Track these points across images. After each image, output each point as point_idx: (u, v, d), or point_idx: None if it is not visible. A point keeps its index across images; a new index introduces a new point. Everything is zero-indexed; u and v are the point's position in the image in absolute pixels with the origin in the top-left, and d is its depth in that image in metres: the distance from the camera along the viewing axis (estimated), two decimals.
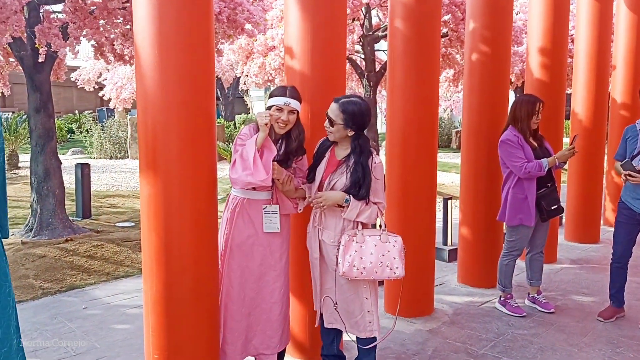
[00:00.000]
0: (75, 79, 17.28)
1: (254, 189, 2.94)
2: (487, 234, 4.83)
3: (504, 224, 4.25)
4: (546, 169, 4.01)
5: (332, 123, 2.90)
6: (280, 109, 2.91)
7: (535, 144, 4.17)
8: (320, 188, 2.98)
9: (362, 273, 2.83)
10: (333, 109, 2.89)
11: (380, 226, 2.99)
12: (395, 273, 2.87)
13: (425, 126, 4.09)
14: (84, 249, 5.76)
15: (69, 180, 8.96)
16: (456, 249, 5.63)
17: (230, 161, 2.89)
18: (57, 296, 4.76)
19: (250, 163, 2.75)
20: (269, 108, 2.94)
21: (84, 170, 7.10)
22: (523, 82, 10.57)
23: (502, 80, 4.83)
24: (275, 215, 3.00)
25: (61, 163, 6.38)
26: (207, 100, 2.76)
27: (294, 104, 2.94)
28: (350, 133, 2.89)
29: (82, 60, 15.95)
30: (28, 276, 5.09)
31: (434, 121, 4.18)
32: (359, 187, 2.84)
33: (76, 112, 24.06)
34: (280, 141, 3.01)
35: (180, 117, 2.67)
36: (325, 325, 3.10)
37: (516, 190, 4.10)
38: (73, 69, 18.21)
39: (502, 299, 4.35)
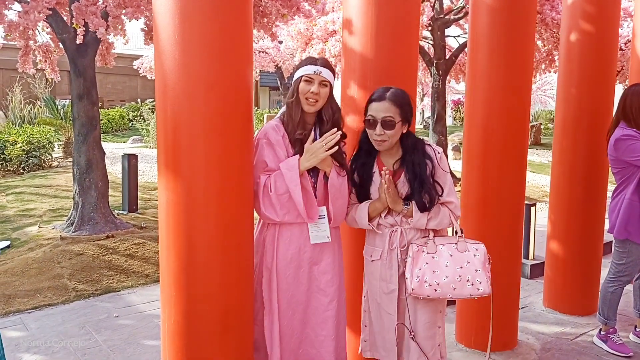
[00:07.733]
0: (138, 67, 17.25)
1: None
2: (583, 250, 4.01)
3: (613, 243, 3.45)
4: None
5: (392, 125, 2.33)
6: (309, 80, 2.31)
7: None
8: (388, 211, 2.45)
9: (435, 290, 2.32)
10: (386, 108, 2.33)
11: (456, 232, 2.45)
12: (478, 290, 2.34)
13: (514, 120, 3.33)
14: (125, 247, 5.36)
15: (120, 171, 8.68)
16: (540, 263, 4.84)
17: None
18: (90, 300, 4.35)
19: (301, 206, 2.29)
20: (297, 81, 2.33)
21: (130, 161, 6.71)
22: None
23: (608, 65, 3.98)
24: (324, 221, 2.39)
25: (105, 154, 5.98)
26: (242, 82, 2.16)
27: (326, 73, 2.33)
28: (405, 129, 2.42)
29: (147, 50, 15.83)
30: (63, 276, 4.72)
31: (525, 114, 3.41)
32: (421, 192, 2.38)
33: (138, 100, 24.36)
34: (314, 127, 2.41)
35: (207, 104, 2.09)
36: None
37: (633, 197, 3.30)
38: (136, 57, 18.28)
39: (602, 332, 3.55)
